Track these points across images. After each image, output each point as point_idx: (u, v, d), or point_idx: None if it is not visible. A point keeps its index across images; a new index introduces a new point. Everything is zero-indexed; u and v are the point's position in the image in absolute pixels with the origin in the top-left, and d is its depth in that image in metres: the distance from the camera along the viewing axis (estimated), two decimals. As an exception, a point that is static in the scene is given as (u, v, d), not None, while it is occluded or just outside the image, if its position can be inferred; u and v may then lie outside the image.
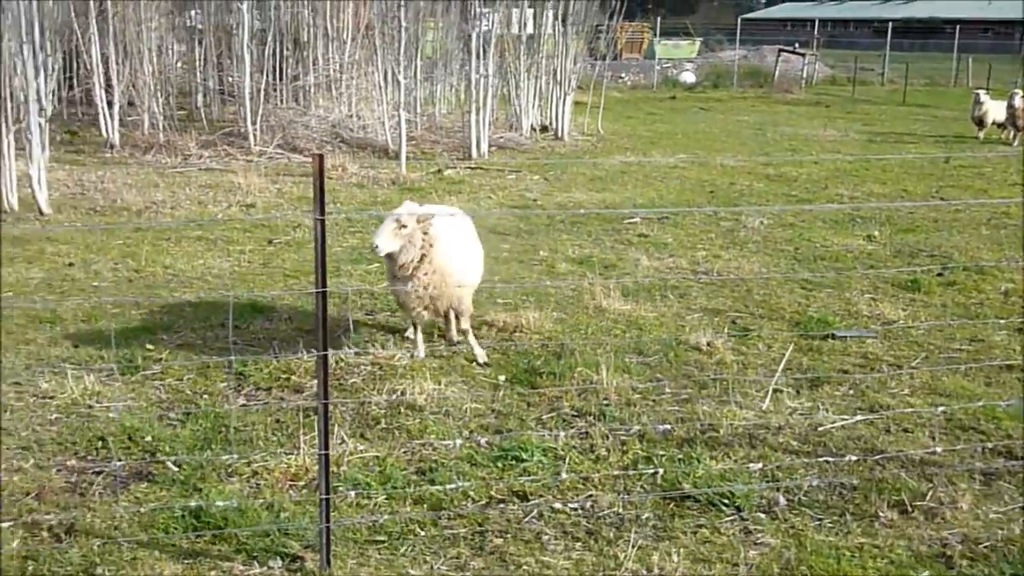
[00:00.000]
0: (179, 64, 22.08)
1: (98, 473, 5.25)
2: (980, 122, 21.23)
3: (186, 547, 4.55)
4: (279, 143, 17.22)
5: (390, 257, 6.56)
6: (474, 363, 6.98)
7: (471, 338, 7.10)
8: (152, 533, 4.65)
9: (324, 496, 4.33)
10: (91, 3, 17.47)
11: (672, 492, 5.13)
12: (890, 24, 46.02)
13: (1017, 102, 20.09)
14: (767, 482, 5.26)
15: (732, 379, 6.62)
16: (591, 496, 5.11)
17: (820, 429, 5.94)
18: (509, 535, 4.74)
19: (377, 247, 6.43)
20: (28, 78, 11.87)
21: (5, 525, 4.67)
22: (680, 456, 5.55)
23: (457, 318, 7.14)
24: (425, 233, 6.53)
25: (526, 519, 4.90)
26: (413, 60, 17.95)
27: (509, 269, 9.61)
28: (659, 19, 44.86)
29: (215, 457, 5.40)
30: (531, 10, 20.93)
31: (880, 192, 14.54)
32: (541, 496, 5.11)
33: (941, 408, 6.18)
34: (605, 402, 6.30)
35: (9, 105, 11.82)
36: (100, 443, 5.61)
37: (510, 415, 6.12)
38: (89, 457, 5.47)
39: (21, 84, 11.87)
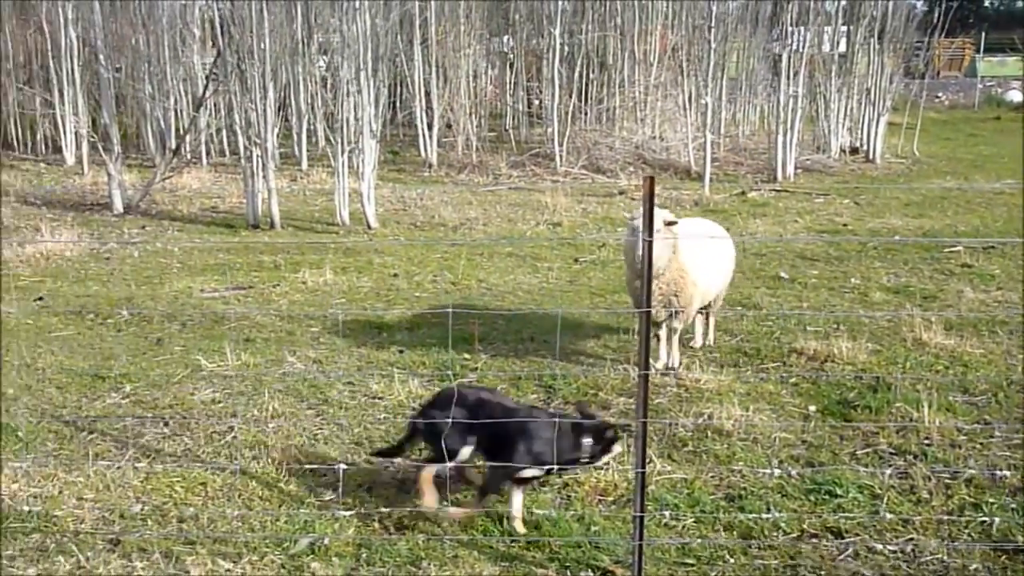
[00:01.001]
0: (491, 87, 23.23)
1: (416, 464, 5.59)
2: None
3: (503, 550, 4.75)
4: (584, 164, 17.66)
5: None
6: (785, 387, 6.80)
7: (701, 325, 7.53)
8: (472, 534, 4.90)
9: (638, 514, 4.38)
10: (416, 32, 18.77)
11: (1006, 544, 4.76)
12: None
13: None
14: (1119, 542, 4.76)
15: (1074, 426, 6.05)
16: (912, 540, 4.84)
17: None
18: (823, 571, 4.58)
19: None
20: (362, 103, 12.93)
21: (345, 514, 5.08)
22: (1014, 505, 5.13)
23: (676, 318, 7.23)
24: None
25: (841, 557, 4.71)
26: (718, 81, 17.84)
27: (819, 296, 9.30)
28: (983, 35, 41.85)
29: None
30: (844, 28, 20.20)
31: None
32: (857, 535, 4.90)
33: None
34: (927, 441, 5.94)
35: (344, 128, 12.93)
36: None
37: (822, 447, 5.92)
38: (413, 457, 5.84)
39: (354, 109, 12.95)
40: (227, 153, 18.31)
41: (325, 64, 17.66)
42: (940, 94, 35.33)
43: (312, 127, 18.89)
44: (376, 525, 5.02)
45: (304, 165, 17.89)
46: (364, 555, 4.74)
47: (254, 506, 5.21)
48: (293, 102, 18.50)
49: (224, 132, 17.64)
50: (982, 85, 36.97)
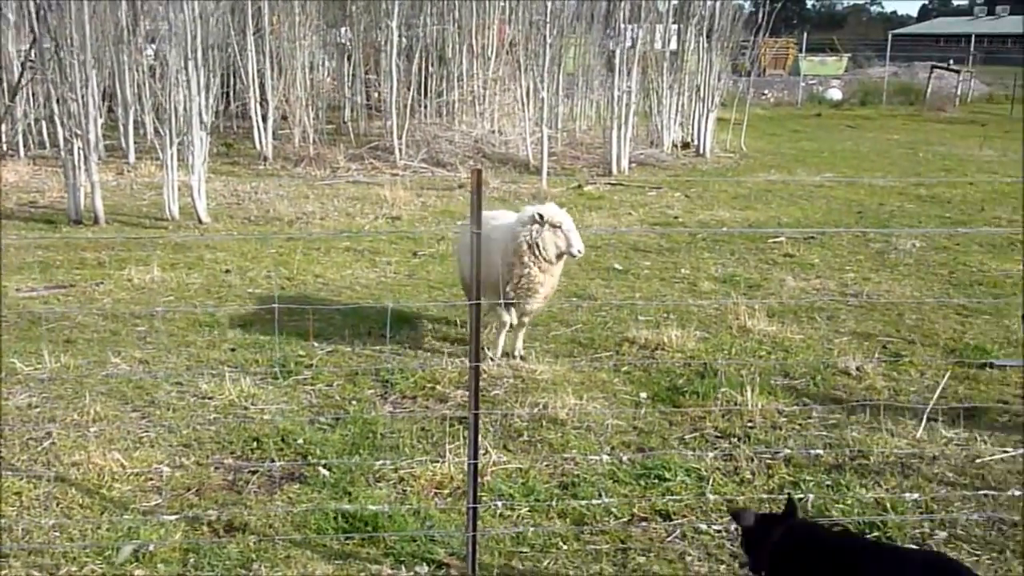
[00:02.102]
0: (329, 79, 22.86)
1: (254, 472, 5.46)
2: None
3: (337, 548, 4.69)
4: (423, 157, 17.60)
5: (560, 256, 7.07)
6: (618, 376, 6.97)
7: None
8: (305, 533, 4.81)
9: (472, 505, 4.40)
10: (249, 21, 18.27)
11: (820, 519, 5.00)
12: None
13: None
14: (921, 513, 5.07)
15: (883, 405, 6.42)
16: (736, 519, 5.02)
17: (978, 461, 5.70)
18: (652, 553, 4.71)
19: (583, 251, 7.09)
20: (191, 93, 12.49)
21: (170, 518, 4.90)
22: (828, 482, 5.41)
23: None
24: None
25: (669, 538, 4.86)
26: (555, 76, 18.09)
27: (651, 286, 9.56)
28: (805, 35, 43.95)
29: (363, 462, 5.55)
30: (675, 26, 20.82)
31: (1042, 215, 13.86)
32: (684, 516, 5.06)
33: (1112, 444, 5.84)
34: (750, 424, 6.20)
35: (172, 119, 12.47)
36: (255, 444, 5.83)
37: (652, 433, 6.09)
38: (245, 457, 5.70)
39: (183, 99, 12.50)
40: (47, 145, 17.36)
41: (153, 53, 16.97)
42: (766, 91, 36.91)
43: (140, 118, 18.14)
44: (205, 529, 4.87)
45: (132, 158, 17.15)
46: (192, 560, 4.58)
47: (74, 514, 4.97)
48: (119, 92, 17.73)
49: (44, 123, 16.72)
50: (805, 83, 38.83)
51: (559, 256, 7.05)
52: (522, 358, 7.38)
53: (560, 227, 6.93)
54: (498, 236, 7.07)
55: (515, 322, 7.39)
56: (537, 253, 6.99)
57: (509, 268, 7.08)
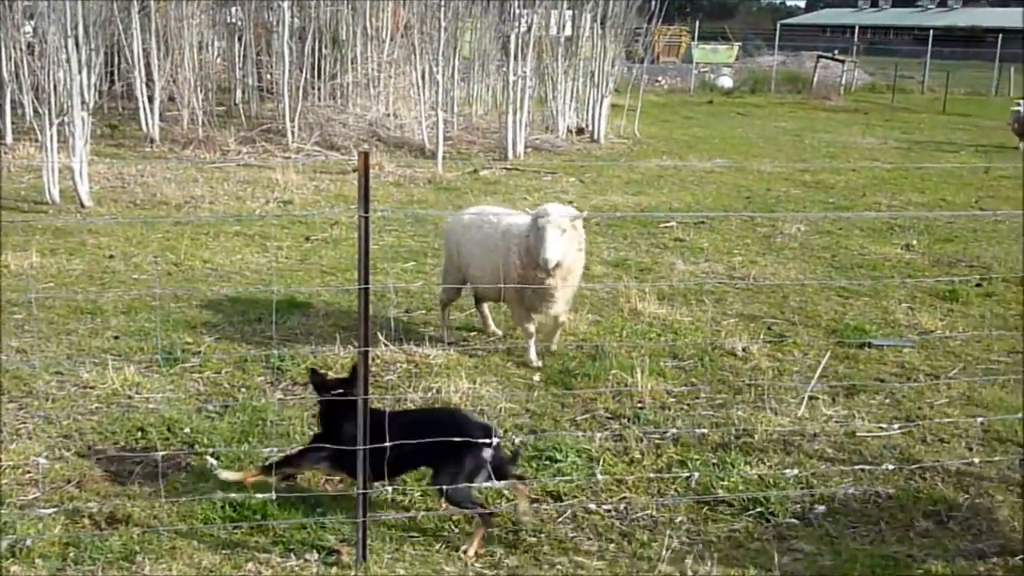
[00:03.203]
0: (219, 60, 22.31)
1: (138, 463, 5.32)
2: (1021, 133, 20.98)
3: (224, 538, 4.60)
4: (317, 141, 17.35)
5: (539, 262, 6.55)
6: (511, 361, 7.00)
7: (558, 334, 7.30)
8: (191, 523, 4.71)
9: (362, 491, 4.37)
10: (133, -1, 17.71)
11: (706, 496, 5.13)
12: (931, 32, 45.50)
13: None
14: (802, 488, 5.24)
15: (767, 385, 6.60)
16: (625, 498, 5.12)
17: (856, 437, 5.91)
18: (543, 535, 4.75)
19: (551, 261, 6.44)
20: (71, 72, 12.04)
21: (48, 512, 4.74)
22: (715, 461, 5.54)
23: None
24: (576, 230, 6.67)
25: (560, 519, 4.91)
26: (451, 60, 18.02)
27: (544, 270, 9.61)
28: (697, 23, 44.74)
29: (253, 450, 5.46)
30: (570, 12, 20.94)
31: (919, 201, 14.42)
32: (575, 497, 5.12)
33: (979, 419, 6.12)
34: (640, 405, 6.30)
35: (52, 99, 12.00)
36: (140, 433, 5.69)
37: (544, 415, 6.14)
38: (129, 447, 5.54)
39: (64, 78, 12.05)
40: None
41: (31, 29, 16.30)
42: (660, 78, 37.48)
43: (17, 98, 17.40)
44: (86, 521, 4.72)
45: (8, 139, 16.46)
46: (72, 554, 4.44)
47: (-56, 510, 4.77)
48: (-5, 70, 16.99)
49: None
50: (697, 71, 39.55)
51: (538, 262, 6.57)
52: (552, 353, 7.16)
53: (540, 230, 6.47)
54: (516, 234, 6.85)
55: (548, 323, 7.21)
56: (531, 255, 6.63)
57: (518, 268, 6.78)
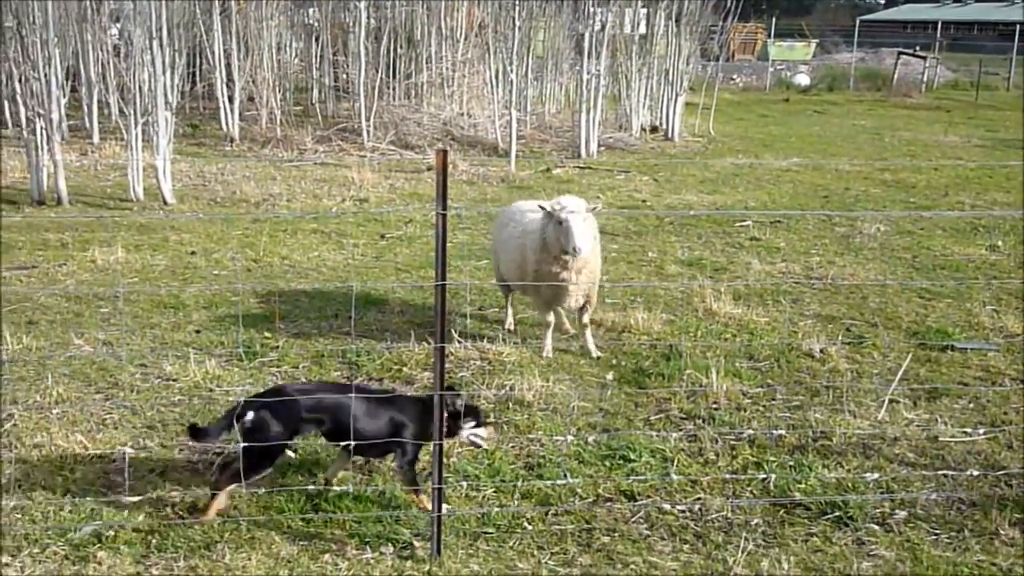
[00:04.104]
0: (296, 61, 22.65)
1: (219, 454, 5.43)
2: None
3: (302, 529, 4.68)
4: (391, 140, 17.52)
5: (565, 252, 6.61)
6: (585, 358, 6.99)
7: (591, 331, 7.24)
8: (269, 514, 4.80)
9: (437, 486, 4.41)
10: (215, 1, 18.07)
11: (783, 499, 5.06)
12: (1017, 27, 44.20)
13: None
14: (882, 493, 5.14)
15: (846, 387, 6.49)
16: (699, 499, 5.07)
17: (939, 442, 5.78)
18: (616, 534, 4.74)
19: (580, 249, 6.50)
20: (155, 73, 12.35)
21: (132, 500, 4.87)
22: (791, 463, 5.46)
23: (585, 309, 7.18)
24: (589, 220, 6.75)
25: (633, 519, 4.89)
26: (524, 59, 18.03)
27: (618, 269, 9.59)
28: (774, 20, 44.13)
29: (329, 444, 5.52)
30: (644, 10, 20.81)
31: (1004, 201, 14.03)
32: (649, 497, 5.10)
33: (1068, 425, 5.94)
34: (715, 406, 6.24)
35: (137, 99, 12.32)
36: (220, 425, 5.79)
37: (618, 414, 6.12)
38: (210, 439, 5.65)
39: (148, 79, 12.35)
40: (9, 125, 17.10)
41: (117, 32, 16.74)
42: (735, 76, 37.04)
43: (104, 98, 17.88)
44: (168, 511, 4.84)
45: (96, 138, 16.93)
46: (155, 541, 4.56)
47: (35, 496, 4.92)
48: (83, 71, 17.49)
49: (6, 103, 16.46)
50: (773, 68, 38.99)
51: (565, 252, 6.63)
52: (597, 358, 7.12)
53: (563, 222, 6.52)
54: (531, 229, 6.98)
55: (576, 321, 7.34)
56: (547, 249, 6.74)
57: (532, 263, 6.93)
